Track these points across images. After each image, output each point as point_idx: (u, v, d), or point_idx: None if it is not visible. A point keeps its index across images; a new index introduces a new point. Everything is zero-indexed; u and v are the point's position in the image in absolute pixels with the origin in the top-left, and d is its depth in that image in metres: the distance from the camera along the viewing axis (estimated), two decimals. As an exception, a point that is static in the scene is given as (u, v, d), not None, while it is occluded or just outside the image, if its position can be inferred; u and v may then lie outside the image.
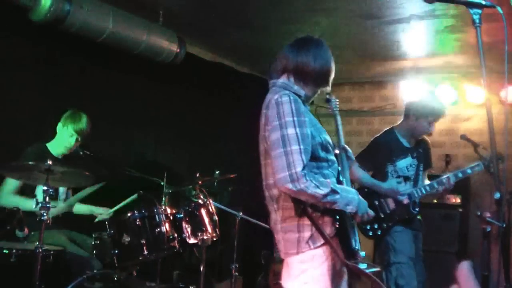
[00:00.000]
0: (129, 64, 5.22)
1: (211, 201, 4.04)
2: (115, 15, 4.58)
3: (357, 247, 2.49)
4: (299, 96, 2.53)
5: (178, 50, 5.22)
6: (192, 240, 3.71)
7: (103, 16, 4.49)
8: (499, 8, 1.87)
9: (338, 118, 2.84)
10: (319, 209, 2.43)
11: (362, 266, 2.49)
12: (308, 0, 4.68)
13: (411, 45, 5.83)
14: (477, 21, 1.89)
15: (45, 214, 3.07)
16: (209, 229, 3.86)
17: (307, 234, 2.42)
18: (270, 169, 2.47)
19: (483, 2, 1.89)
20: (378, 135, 4.45)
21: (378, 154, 4.29)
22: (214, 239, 3.95)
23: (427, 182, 4.33)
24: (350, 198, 2.42)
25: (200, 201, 3.94)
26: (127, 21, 4.74)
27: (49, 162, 3.13)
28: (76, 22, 4.28)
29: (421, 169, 4.35)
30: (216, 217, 4.00)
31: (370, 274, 2.58)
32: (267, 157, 2.50)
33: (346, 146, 2.68)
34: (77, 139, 4.00)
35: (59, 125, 4.01)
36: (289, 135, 2.34)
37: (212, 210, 4.00)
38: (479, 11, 1.91)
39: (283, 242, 2.50)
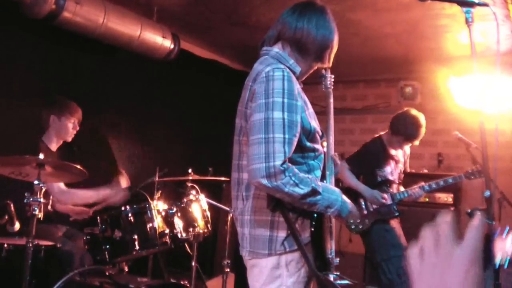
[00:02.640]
0: (124, 60, 5.22)
1: (203, 197, 4.04)
2: (109, 11, 4.57)
3: (332, 255, 2.17)
4: (293, 73, 2.17)
5: (172, 47, 5.22)
6: (184, 236, 3.71)
7: (96, 11, 4.48)
8: (491, 7, 1.88)
9: (331, 97, 2.44)
10: (297, 207, 2.10)
11: (333, 277, 2.15)
12: None
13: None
14: (470, 19, 1.90)
15: (36, 209, 3.06)
16: (201, 225, 3.87)
17: (282, 233, 2.09)
18: (246, 148, 2.11)
19: (476, 1, 1.90)
20: (368, 142, 4.61)
21: (367, 161, 4.46)
22: (206, 235, 3.96)
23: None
24: (332, 199, 2.09)
25: (192, 197, 3.94)
26: (120, 17, 4.73)
27: (41, 156, 3.12)
28: (70, 18, 4.27)
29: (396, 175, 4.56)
30: (208, 213, 4.01)
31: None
32: (241, 134, 2.18)
33: (334, 155, 2.28)
34: (75, 127, 4.01)
35: (53, 117, 3.96)
36: (274, 120, 1.97)
37: (204, 206, 4.01)
38: (472, 9, 1.93)
39: (250, 239, 2.15)
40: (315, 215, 2.13)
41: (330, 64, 2.33)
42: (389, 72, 6.97)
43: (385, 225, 4.34)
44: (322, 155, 2.27)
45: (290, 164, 1.99)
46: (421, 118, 4.34)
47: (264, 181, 1.94)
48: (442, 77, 6.65)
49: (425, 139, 4.81)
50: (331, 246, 2.18)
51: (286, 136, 1.98)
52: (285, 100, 2.00)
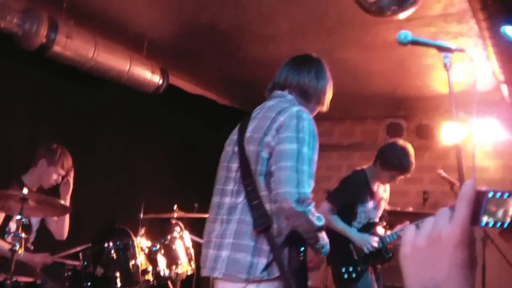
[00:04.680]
0: (112, 93, 5.25)
1: (187, 234, 4.02)
2: (99, 45, 4.62)
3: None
4: None
5: (160, 82, 5.27)
6: (166, 274, 3.67)
7: (86, 46, 4.52)
8: (468, 52, 1.93)
9: None
10: (284, 233, 2.21)
11: None
12: (291, 39, 4.78)
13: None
14: (448, 64, 1.95)
15: (17, 244, 3.02)
16: (185, 262, 3.83)
17: (263, 260, 2.15)
18: (233, 174, 2.27)
19: (453, 47, 1.95)
20: (348, 175, 4.35)
21: (349, 194, 4.18)
22: (189, 272, 3.91)
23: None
24: (326, 241, 2.33)
25: (176, 234, 3.92)
26: (110, 52, 4.78)
27: (25, 191, 3.10)
28: (61, 51, 4.31)
29: (379, 213, 4.32)
30: (192, 250, 3.97)
31: None
32: (232, 161, 2.32)
33: None
34: (57, 180, 3.89)
35: (42, 162, 3.82)
36: (304, 154, 2.17)
37: (188, 243, 3.98)
38: (450, 54, 1.97)
39: (228, 261, 2.17)
40: (302, 247, 2.25)
41: (327, 109, 2.62)
42: (376, 109, 7.05)
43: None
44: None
45: None
46: (410, 147, 4.18)
47: (294, 204, 2.08)
48: (428, 114, 6.75)
49: (411, 176, 4.80)
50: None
51: (311, 171, 2.20)
52: (311, 140, 2.24)
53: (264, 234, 2.15)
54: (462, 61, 4.26)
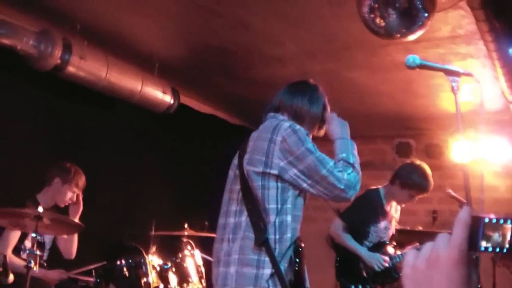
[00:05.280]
0: (124, 113, 5.32)
1: (198, 252, 4.05)
2: (111, 66, 4.70)
3: None
4: None
5: (172, 102, 5.33)
6: (178, 292, 3.70)
7: (99, 66, 4.61)
8: (475, 75, 1.97)
9: None
10: (284, 245, 2.37)
11: None
12: (300, 60, 4.85)
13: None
14: (456, 88, 1.99)
15: (31, 261, 3.07)
16: (195, 280, 3.86)
17: (267, 271, 2.32)
18: (235, 195, 2.45)
19: (461, 71, 1.99)
20: (363, 193, 4.34)
21: (362, 214, 4.25)
22: (200, 290, 3.95)
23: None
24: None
25: (187, 252, 3.95)
26: (122, 72, 4.86)
27: (40, 209, 3.16)
28: (74, 72, 4.40)
29: (390, 233, 4.36)
30: (202, 269, 4.00)
31: None
32: (234, 183, 2.49)
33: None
34: (72, 198, 3.94)
35: (57, 180, 3.89)
36: (322, 156, 2.39)
37: (199, 261, 4.01)
38: (458, 78, 2.02)
39: (236, 276, 2.35)
40: (297, 259, 2.42)
41: (322, 134, 2.73)
42: (385, 128, 7.08)
43: None
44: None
45: None
46: (428, 167, 4.25)
47: (349, 194, 2.38)
48: (437, 133, 6.77)
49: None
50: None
51: (331, 162, 2.41)
52: (311, 144, 2.43)
53: (264, 247, 2.31)
54: (470, 82, 4.31)
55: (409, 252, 0.81)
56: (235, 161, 2.58)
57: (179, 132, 6.08)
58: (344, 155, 2.51)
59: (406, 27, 3.00)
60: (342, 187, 2.36)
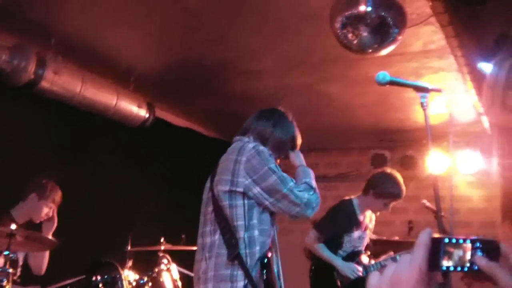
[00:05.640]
0: (99, 126, 5.29)
1: (175, 266, 4.03)
2: (86, 81, 4.67)
3: None
4: None
5: (147, 116, 5.32)
6: (154, 307, 3.68)
7: (74, 81, 4.58)
8: (443, 93, 2.02)
9: None
10: (254, 258, 2.54)
11: None
12: (276, 74, 4.89)
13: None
14: (425, 104, 2.04)
15: (4, 279, 3.03)
16: (172, 295, 3.85)
17: (240, 284, 2.50)
18: (209, 216, 2.63)
19: (429, 87, 2.04)
20: (336, 204, 4.48)
21: (336, 224, 4.30)
22: (177, 305, 3.93)
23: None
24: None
25: (163, 266, 3.93)
26: (97, 87, 4.83)
27: (13, 226, 3.12)
28: (48, 87, 4.36)
29: (364, 243, 4.43)
30: (179, 283, 3.99)
31: None
32: (207, 205, 2.67)
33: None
34: (47, 214, 3.89)
35: (33, 196, 3.84)
36: (283, 176, 2.61)
37: (176, 275, 3.99)
38: (427, 94, 2.07)
39: None
40: (264, 269, 2.57)
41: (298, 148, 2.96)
42: (361, 140, 7.16)
43: None
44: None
45: None
46: (398, 174, 4.34)
47: (308, 212, 2.63)
48: (411, 145, 6.86)
49: (396, 206, 4.89)
50: None
51: (291, 181, 2.64)
52: (274, 164, 2.65)
53: (237, 261, 2.50)
54: (443, 94, 4.39)
55: (372, 275, 0.84)
56: (207, 184, 2.76)
57: (155, 146, 6.06)
58: (308, 179, 2.75)
59: (378, 42, 3.06)
60: (302, 205, 2.59)
